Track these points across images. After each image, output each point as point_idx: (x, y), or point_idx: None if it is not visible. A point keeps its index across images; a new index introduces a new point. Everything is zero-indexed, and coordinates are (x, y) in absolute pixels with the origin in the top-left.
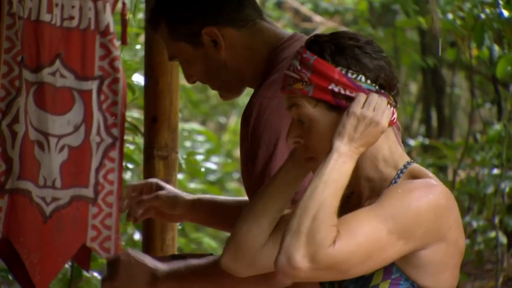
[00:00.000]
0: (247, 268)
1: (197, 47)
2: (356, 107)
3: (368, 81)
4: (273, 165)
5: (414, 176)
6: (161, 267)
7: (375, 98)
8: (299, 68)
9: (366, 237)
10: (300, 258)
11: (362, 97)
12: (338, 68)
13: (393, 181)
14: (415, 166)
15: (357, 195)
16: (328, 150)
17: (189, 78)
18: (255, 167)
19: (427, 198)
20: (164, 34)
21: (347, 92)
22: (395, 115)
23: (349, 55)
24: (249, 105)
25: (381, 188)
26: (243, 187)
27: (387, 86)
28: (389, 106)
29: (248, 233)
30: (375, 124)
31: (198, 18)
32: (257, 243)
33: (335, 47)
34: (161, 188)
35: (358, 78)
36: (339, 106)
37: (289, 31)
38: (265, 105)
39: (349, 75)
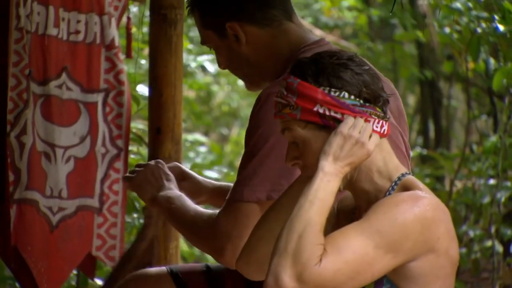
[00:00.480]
0: (259, 273)
1: (222, 38)
2: (344, 127)
3: (352, 97)
4: (259, 158)
5: (406, 188)
6: (167, 189)
7: (361, 122)
8: (285, 93)
9: (353, 254)
10: (288, 279)
11: (349, 119)
12: (321, 88)
13: (387, 192)
14: (409, 178)
15: (359, 210)
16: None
17: (219, 64)
18: (243, 155)
19: (413, 211)
20: (197, 21)
21: (332, 113)
22: (385, 127)
23: (330, 74)
24: (258, 96)
25: (377, 200)
26: None
27: (371, 99)
28: (377, 120)
29: (260, 239)
30: (360, 145)
31: (223, 12)
32: (269, 251)
33: (315, 68)
34: (184, 175)
35: (341, 95)
36: (328, 126)
37: (316, 36)
38: (270, 100)
39: (332, 93)
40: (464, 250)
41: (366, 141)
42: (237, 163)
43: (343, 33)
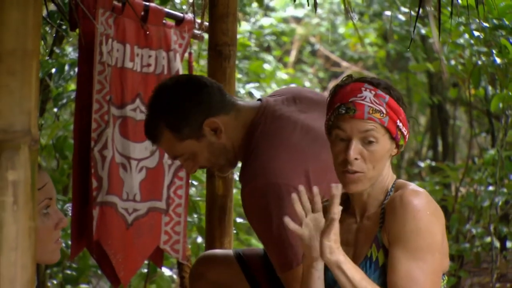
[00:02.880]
0: None
1: (200, 139)
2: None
3: (407, 126)
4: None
5: (399, 187)
6: None
7: None
8: (377, 101)
9: (429, 280)
10: None
11: None
12: (402, 110)
13: (387, 194)
14: (398, 180)
15: (351, 212)
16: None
17: (192, 169)
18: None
19: (426, 211)
20: (169, 140)
21: (404, 130)
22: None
23: (405, 104)
24: (251, 190)
25: (380, 203)
26: None
27: None
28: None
29: None
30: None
31: (196, 115)
32: None
33: (398, 94)
34: None
35: (408, 123)
36: (394, 139)
37: (254, 100)
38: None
39: (406, 117)
40: (467, 245)
41: None
42: None
43: (365, 64)
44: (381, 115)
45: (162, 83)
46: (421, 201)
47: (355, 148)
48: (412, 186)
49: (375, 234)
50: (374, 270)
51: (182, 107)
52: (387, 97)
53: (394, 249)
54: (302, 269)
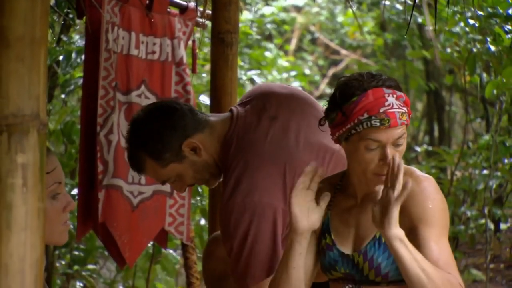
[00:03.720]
0: None
1: (182, 160)
2: None
3: None
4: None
5: (405, 172)
6: None
7: None
8: (401, 104)
9: (451, 256)
10: None
11: None
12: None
13: None
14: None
15: (349, 194)
16: None
17: (182, 189)
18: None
19: (440, 193)
20: (153, 168)
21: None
22: None
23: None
24: (228, 211)
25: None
26: None
27: None
28: None
29: None
30: None
31: (174, 139)
32: None
33: (400, 87)
34: None
35: None
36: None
37: (226, 113)
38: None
39: None
40: (462, 227)
41: None
42: None
43: (364, 52)
44: (406, 115)
45: (136, 115)
46: (434, 186)
47: (391, 154)
48: (419, 171)
49: None
50: (383, 251)
51: (158, 135)
52: (403, 95)
53: (422, 230)
54: (286, 245)
